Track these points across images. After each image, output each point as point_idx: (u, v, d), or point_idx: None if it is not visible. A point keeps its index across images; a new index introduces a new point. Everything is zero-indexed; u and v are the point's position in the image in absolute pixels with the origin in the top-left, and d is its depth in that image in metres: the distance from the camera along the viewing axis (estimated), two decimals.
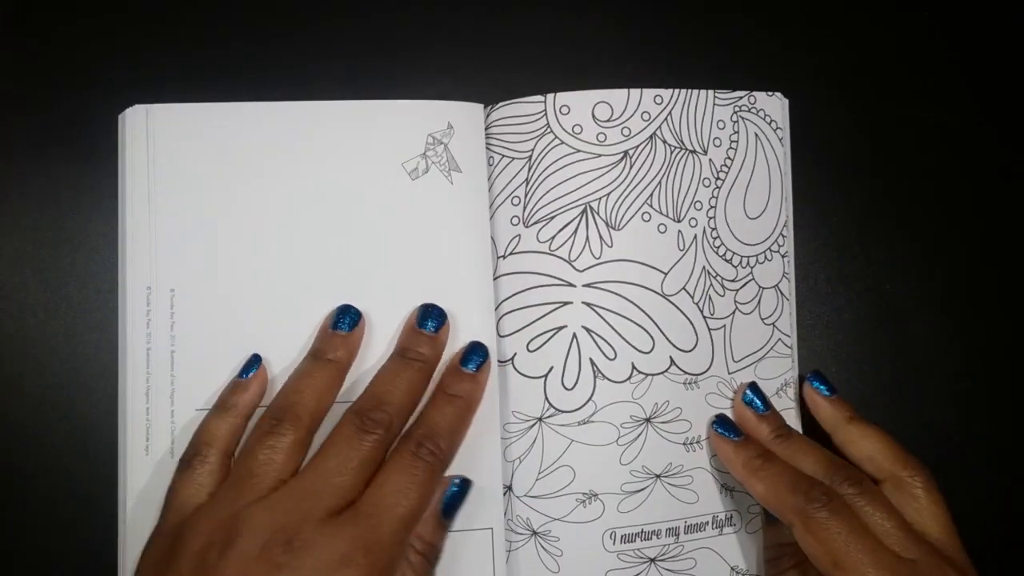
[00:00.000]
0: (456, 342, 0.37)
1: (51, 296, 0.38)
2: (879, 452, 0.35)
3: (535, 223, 0.38)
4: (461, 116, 0.38)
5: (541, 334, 0.37)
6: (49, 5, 0.39)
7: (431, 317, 0.36)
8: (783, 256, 0.40)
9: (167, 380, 0.35)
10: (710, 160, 0.39)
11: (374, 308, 0.36)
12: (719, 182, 0.39)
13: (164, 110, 0.36)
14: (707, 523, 0.38)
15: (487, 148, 0.38)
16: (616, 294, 0.38)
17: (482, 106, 0.38)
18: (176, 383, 0.35)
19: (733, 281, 0.39)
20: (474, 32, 0.41)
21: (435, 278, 0.37)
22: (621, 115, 0.38)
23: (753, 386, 0.38)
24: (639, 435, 0.37)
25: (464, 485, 0.35)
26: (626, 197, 0.38)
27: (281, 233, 0.36)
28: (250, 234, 0.36)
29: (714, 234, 0.39)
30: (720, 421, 0.38)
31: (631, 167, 0.38)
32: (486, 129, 0.38)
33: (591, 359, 0.37)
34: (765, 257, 0.40)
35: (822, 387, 0.38)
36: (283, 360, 0.35)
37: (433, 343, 0.35)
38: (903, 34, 0.44)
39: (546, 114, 0.38)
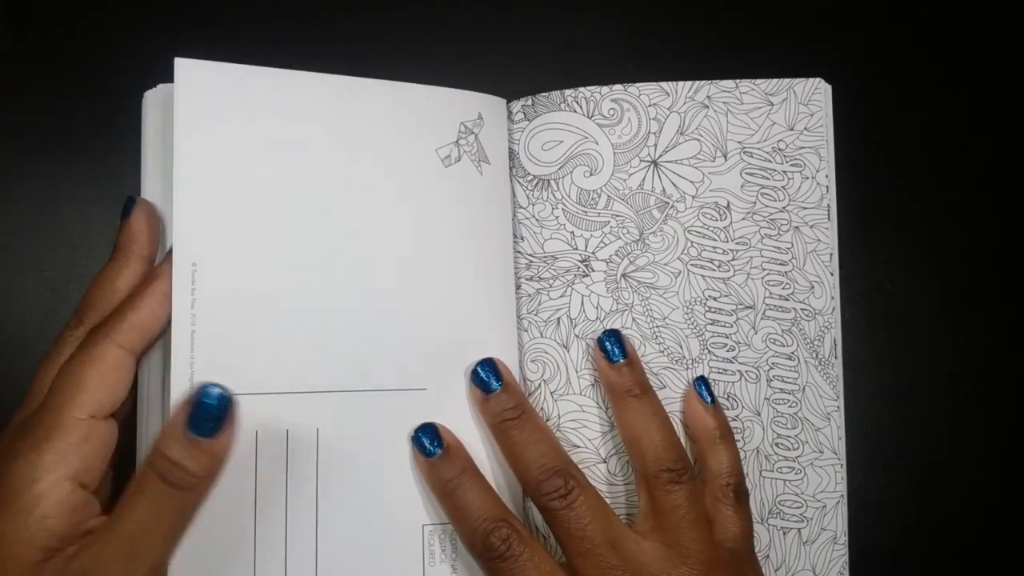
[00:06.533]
0: (474, 341, 0.36)
1: (51, 296, 0.38)
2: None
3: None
4: (489, 108, 0.38)
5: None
6: (49, 5, 0.39)
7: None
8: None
9: (186, 362, 0.32)
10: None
11: (396, 292, 0.35)
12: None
13: (196, 70, 0.33)
14: None
15: (509, 142, 0.38)
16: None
17: (504, 100, 0.38)
18: (196, 365, 0.32)
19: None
20: (472, 28, 0.41)
21: (458, 267, 0.36)
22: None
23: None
24: None
25: (218, 395, 0.28)
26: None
27: (310, 207, 0.34)
28: (278, 208, 0.34)
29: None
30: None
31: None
32: (509, 123, 0.38)
33: None
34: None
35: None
36: (311, 337, 0.34)
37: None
38: (905, 32, 0.43)
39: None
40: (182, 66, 0.32)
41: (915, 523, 0.41)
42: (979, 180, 0.43)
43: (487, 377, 0.34)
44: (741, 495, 0.35)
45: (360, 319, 0.34)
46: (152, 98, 0.35)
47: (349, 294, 0.34)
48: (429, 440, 0.34)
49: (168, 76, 0.33)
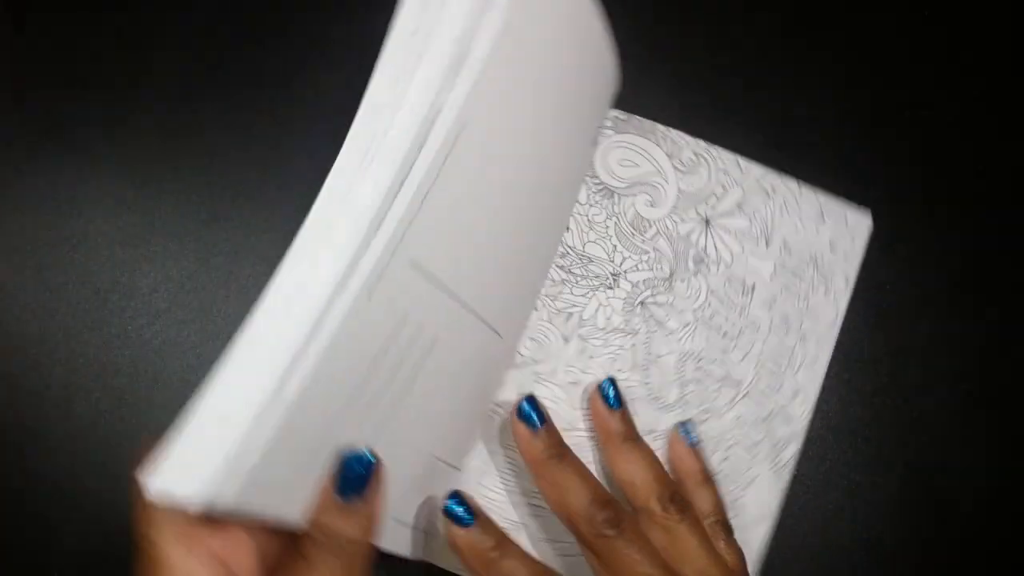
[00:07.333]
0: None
1: (50, 296, 0.37)
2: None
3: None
4: None
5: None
6: (49, 4, 0.38)
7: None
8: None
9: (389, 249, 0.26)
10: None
11: (542, 239, 0.36)
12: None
13: None
14: None
15: None
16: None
17: None
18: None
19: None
20: None
21: (560, 237, 0.39)
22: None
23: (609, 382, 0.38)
24: None
25: (365, 462, 0.29)
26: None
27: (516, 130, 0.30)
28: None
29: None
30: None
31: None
32: None
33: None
34: None
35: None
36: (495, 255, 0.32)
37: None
38: (906, 28, 0.44)
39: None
40: None
41: (914, 522, 0.41)
42: (980, 180, 0.43)
43: (535, 414, 0.35)
44: (729, 529, 0.36)
45: (521, 258, 0.34)
46: None
47: (522, 223, 0.33)
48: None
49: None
